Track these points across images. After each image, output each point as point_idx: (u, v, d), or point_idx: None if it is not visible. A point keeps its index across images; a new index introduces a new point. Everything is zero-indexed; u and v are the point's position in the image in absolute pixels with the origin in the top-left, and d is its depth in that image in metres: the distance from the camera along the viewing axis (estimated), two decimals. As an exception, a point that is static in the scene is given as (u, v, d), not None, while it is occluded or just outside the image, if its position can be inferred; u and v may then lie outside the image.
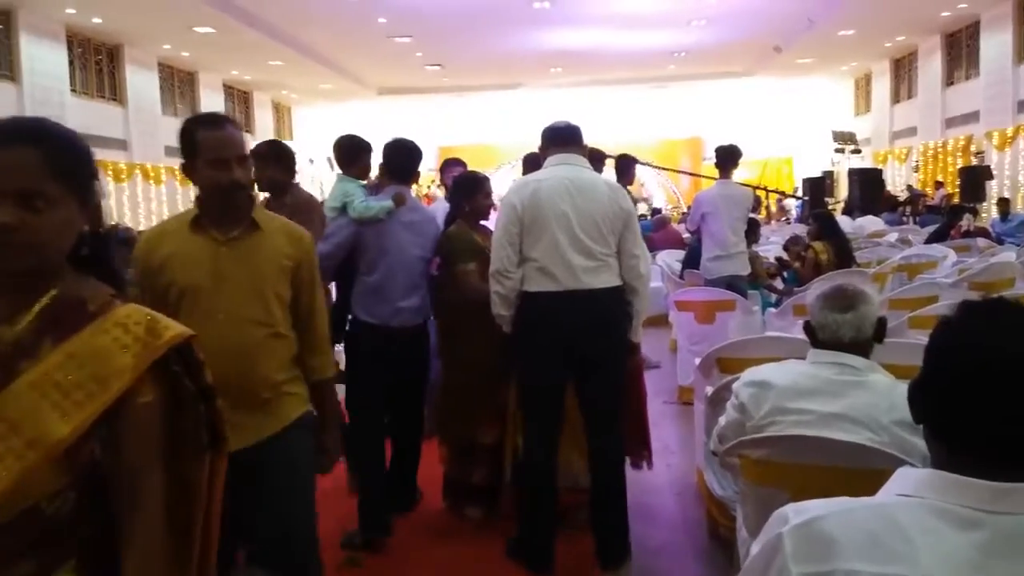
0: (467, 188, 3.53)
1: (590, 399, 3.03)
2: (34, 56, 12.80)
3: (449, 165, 4.91)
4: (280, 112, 23.64)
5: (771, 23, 15.23)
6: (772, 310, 5.45)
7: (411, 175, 3.49)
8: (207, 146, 2.03)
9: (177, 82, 18.18)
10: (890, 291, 5.91)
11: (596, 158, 5.72)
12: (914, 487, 0.96)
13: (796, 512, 0.99)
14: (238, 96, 21.25)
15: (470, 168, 4.44)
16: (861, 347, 2.09)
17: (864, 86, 21.56)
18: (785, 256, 6.86)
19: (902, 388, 2.01)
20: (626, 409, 3.17)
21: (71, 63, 14.03)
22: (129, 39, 15.20)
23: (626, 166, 5.78)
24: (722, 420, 2.28)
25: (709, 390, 3.08)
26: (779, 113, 21.85)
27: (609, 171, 5.27)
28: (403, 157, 3.49)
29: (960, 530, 0.91)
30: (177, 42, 15.53)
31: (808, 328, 2.16)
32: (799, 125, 21.62)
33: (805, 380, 2.09)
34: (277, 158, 3.54)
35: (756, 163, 21.03)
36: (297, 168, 3.67)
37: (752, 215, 6.15)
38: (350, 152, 3.66)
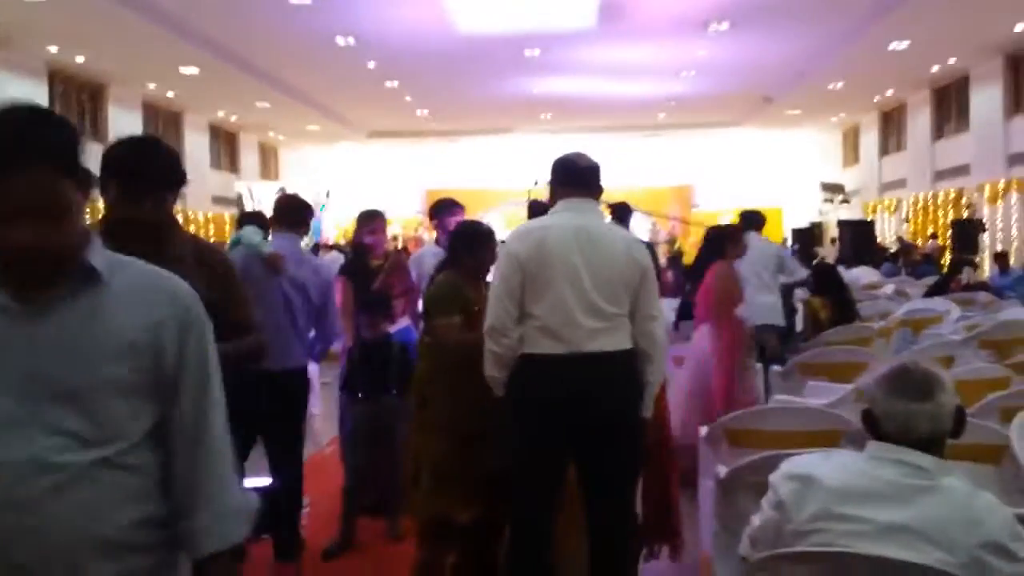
0: (470, 241, 3.13)
1: (593, 477, 2.65)
2: (13, 93, 12.44)
3: (447, 208, 4.52)
4: (267, 153, 23.44)
5: (761, 74, 15.25)
6: (773, 369, 5.09)
7: (298, 225, 3.72)
8: None
9: (162, 122, 17.95)
10: (896, 349, 5.63)
11: (619, 214, 5.64)
12: None
13: None
14: (224, 137, 21.05)
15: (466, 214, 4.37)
16: (934, 444, 1.71)
17: (852, 138, 21.68)
18: None
19: (986, 499, 1.64)
20: (649, 492, 2.85)
21: (51, 101, 13.76)
22: (113, 78, 14.99)
23: (624, 214, 5.64)
24: (755, 519, 1.88)
25: (721, 470, 2.70)
26: (768, 163, 21.90)
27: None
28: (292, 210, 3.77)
29: None
30: (162, 82, 15.33)
31: (869, 418, 1.77)
32: (787, 176, 21.65)
33: (861, 480, 1.70)
34: None
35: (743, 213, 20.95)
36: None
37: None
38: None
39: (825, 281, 5.98)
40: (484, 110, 18.76)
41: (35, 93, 13.11)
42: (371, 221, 4.50)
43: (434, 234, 5.15)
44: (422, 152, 22.18)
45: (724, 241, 4.98)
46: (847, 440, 2.83)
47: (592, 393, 2.55)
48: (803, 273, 6.74)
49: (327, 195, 20.88)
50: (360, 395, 3.96)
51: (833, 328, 5.49)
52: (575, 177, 2.73)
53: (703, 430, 3.34)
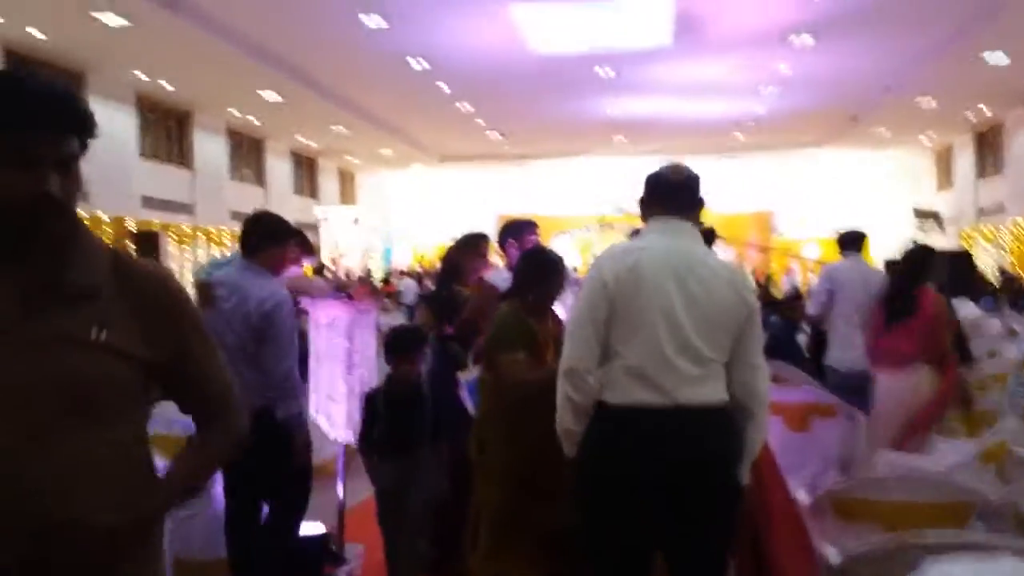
0: (538, 271, 2.83)
1: (685, 562, 2.18)
2: (103, 119, 12.75)
3: (519, 230, 3.95)
4: (344, 178, 23.92)
5: (846, 90, 14.61)
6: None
7: (252, 252, 3.17)
8: None
9: (245, 148, 18.51)
10: (1011, 393, 4.98)
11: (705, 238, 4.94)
12: None
13: None
14: (305, 163, 21.57)
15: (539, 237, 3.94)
16: None
17: (945, 159, 20.55)
18: None
19: None
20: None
21: (140, 127, 14.33)
22: (198, 104, 15.52)
23: (709, 241, 4.94)
24: None
25: (831, 553, 2.18)
26: (853, 187, 20.92)
27: None
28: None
29: None
30: (245, 108, 15.80)
31: None
32: (875, 201, 20.60)
33: None
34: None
35: (828, 242, 20.07)
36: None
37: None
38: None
39: None
40: (556, 132, 18.64)
41: (124, 119, 13.68)
42: (479, 245, 3.95)
43: (500, 259, 4.34)
44: (493, 176, 22.20)
45: (926, 264, 4.28)
46: (978, 516, 2.42)
47: (693, 457, 2.09)
48: None
49: (400, 226, 21.11)
50: (383, 454, 3.26)
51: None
52: (668, 193, 2.31)
53: (803, 497, 2.82)
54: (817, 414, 4.06)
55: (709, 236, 4.84)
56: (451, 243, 4.05)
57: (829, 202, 20.22)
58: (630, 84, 14.15)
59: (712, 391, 2.13)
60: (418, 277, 15.53)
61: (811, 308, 5.16)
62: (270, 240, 3.17)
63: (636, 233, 3.26)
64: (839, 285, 4.83)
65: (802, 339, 6.06)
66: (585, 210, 19.17)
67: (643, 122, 17.15)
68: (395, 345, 3.30)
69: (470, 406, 3.14)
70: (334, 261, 18.13)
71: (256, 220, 3.29)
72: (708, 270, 2.20)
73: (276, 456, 2.99)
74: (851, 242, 5.11)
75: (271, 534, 3.18)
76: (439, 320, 3.79)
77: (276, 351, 2.99)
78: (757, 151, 20.64)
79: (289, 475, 3.10)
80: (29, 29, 10.54)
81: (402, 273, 18.19)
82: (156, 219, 14.54)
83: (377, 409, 3.23)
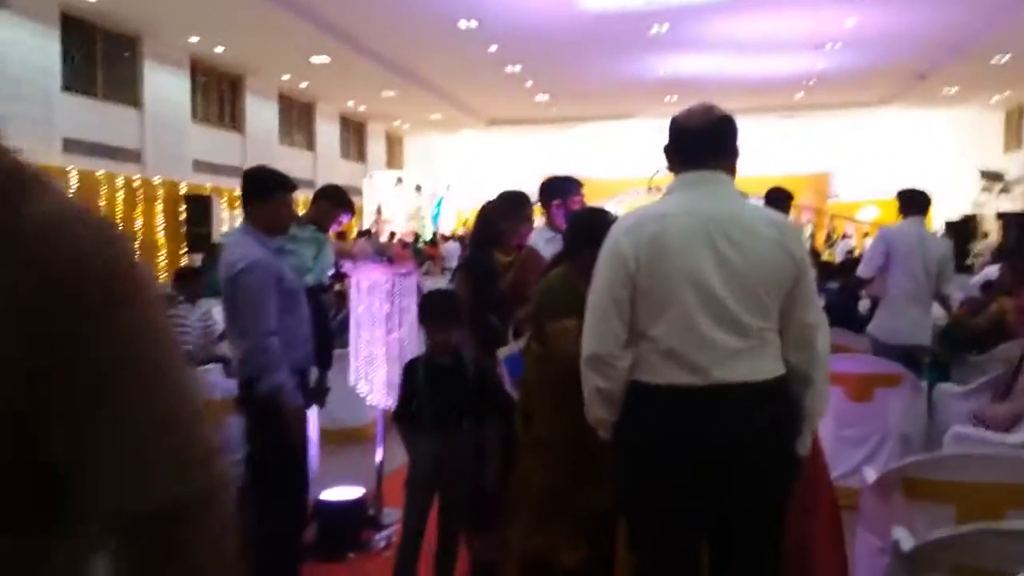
0: (592, 232, 2.49)
1: (731, 555, 2.01)
2: (157, 83, 13.22)
3: (566, 189, 3.73)
4: (392, 143, 23.92)
5: (916, 46, 13.88)
6: (949, 387, 4.10)
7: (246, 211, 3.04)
8: None
9: (295, 113, 18.59)
10: None
11: (775, 200, 4.42)
12: None
13: None
14: (353, 127, 21.61)
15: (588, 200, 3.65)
16: None
17: (1017, 119, 19.49)
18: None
19: None
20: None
21: (193, 91, 14.48)
22: (250, 69, 15.61)
23: (780, 202, 4.49)
24: None
25: (902, 536, 1.98)
26: (917, 148, 20.04)
27: None
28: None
29: None
30: (295, 72, 15.83)
31: None
32: (939, 162, 19.72)
33: None
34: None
35: (889, 203, 19.34)
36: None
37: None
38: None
39: (1021, 277, 5.04)
40: (606, 94, 18.23)
41: (178, 83, 13.84)
42: (522, 207, 3.55)
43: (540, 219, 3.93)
44: (541, 140, 21.93)
45: None
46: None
47: (740, 443, 1.88)
48: (958, 294, 5.24)
49: (447, 188, 21.05)
50: (423, 427, 2.99)
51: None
52: (699, 139, 2.02)
53: (869, 474, 2.65)
54: (881, 384, 3.88)
55: (782, 198, 4.58)
56: (487, 203, 3.62)
57: (889, 163, 19.44)
58: (684, 40, 13.69)
59: (762, 367, 1.92)
60: (461, 240, 15.49)
61: (862, 269, 4.79)
62: (258, 197, 2.96)
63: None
64: (894, 249, 4.47)
65: (864, 307, 5.76)
66: (634, 173, 18.80)
67: (696, 81, 16.61)
68: (428, 314, 3.06)
69: (508, 385, 2.95)
70: (377, 223, 18.23)
71: (245, 178, 3.07)
72: (743, 228, 1.94)
73: (261, 434, 2.83)
74: (914, 203, 4.65)
75: (248, 527, 2.86)
76: (479, 292, 3.35)
77: (245, 318, 2.81)
78: (817, 110, 19.89)
79: (276, 455, 2.86)
80: (83, -6, 10.68)
81: (444, 237, 18.19)
82: (208, 183, 14.77)
83: (417, 379, 3.00)
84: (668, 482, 1.94)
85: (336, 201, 3.77)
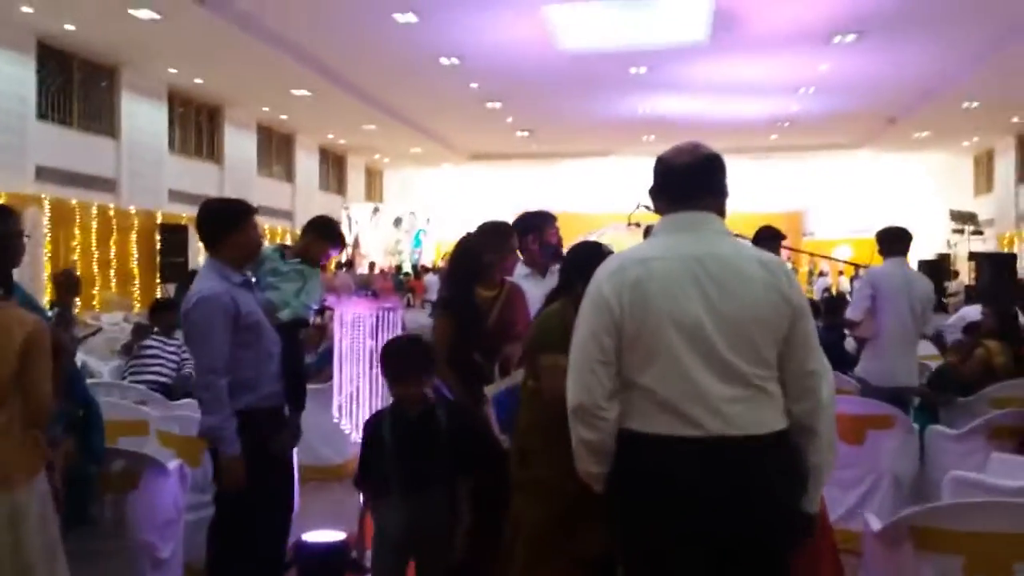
0: (588, 265, 2.32)
1: None
2: (134, 113, 13.12)
3: (540, 223, 3.67)
4: (372, 176, 23.92)
5: (887, 92, 14.24)
6: (941, 430, 4.04)
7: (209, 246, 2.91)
8: None
9: (275, 144, 18.53)
10: None
11: (764, 239, 4.25)
12: None
13: None
14: (333, 160, 21.59)
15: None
16: None
17: (986, 164, 20.01)
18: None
19: None
20: None
21: (171, 122, 14.38)
22: (229, 100, 15.55)
23: (769, 240, 4.30)
24: None
25: None
26: (888, 190, 20.48)
27: None
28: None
29: None
30: (275, 104, 15.81)
31: None
32: (910, 203, 20.13)
33: None
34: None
35: (863, 242, 19.65)
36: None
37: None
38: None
39: (1004, 322, 5.07)
40: (585, 132, 18.44)
41: (156, 113, 13.74)
42: (508, 237, 3.37)
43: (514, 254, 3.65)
44: (521, 175, 22.08)
45: None
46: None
47: (738, 500, 1.75)
48: (930, 330, 5.25)
49: (427, 221, 21.03)
50: (389, 492, 2.67)
51: (1009, 380, 4.50)
52: (685, 179, 1.92)
53: (873, 521, 2.56)
54: (873, 425, 3.82)
55: (770, 236, 4.39)
56: (468, 235, 3.42)
57: (862, 204, 19.86)
58: (662, 82, 13.91)
59: (761, 418, 1.79)
60: (440, 273, 15.45)
61: (851, 312, 4.69)
62: (233, 228, 2.84)
63: (648, 232, 2.91)
64: (880, 291, 4.39)
65: (851, 346, 5.73)
66: (614, 208, 18.96)
67: (674, 121, 16.87)
68: (393, 369, 2.68)
69: (496, 425, 2.80)
70: (355, 255, 18.13)
71: (205, 209, 2.91)
72: (733, 271, 1.83)
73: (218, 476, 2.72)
74: (897, 242, 4.51)
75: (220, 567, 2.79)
76: (464, 331, 3.12)
77: (193, 353, 2.74)
78: (791, 152, 20.32)
79: (248, 495, 2.70)
80: (63, 23, 10.59)
81: (425, 269, 18.15)
82: (184, 213, 14.59)
83: (382, 440, 2.66)
84: (668, 537, 1.82)
85: (323, 234, 3.62)
